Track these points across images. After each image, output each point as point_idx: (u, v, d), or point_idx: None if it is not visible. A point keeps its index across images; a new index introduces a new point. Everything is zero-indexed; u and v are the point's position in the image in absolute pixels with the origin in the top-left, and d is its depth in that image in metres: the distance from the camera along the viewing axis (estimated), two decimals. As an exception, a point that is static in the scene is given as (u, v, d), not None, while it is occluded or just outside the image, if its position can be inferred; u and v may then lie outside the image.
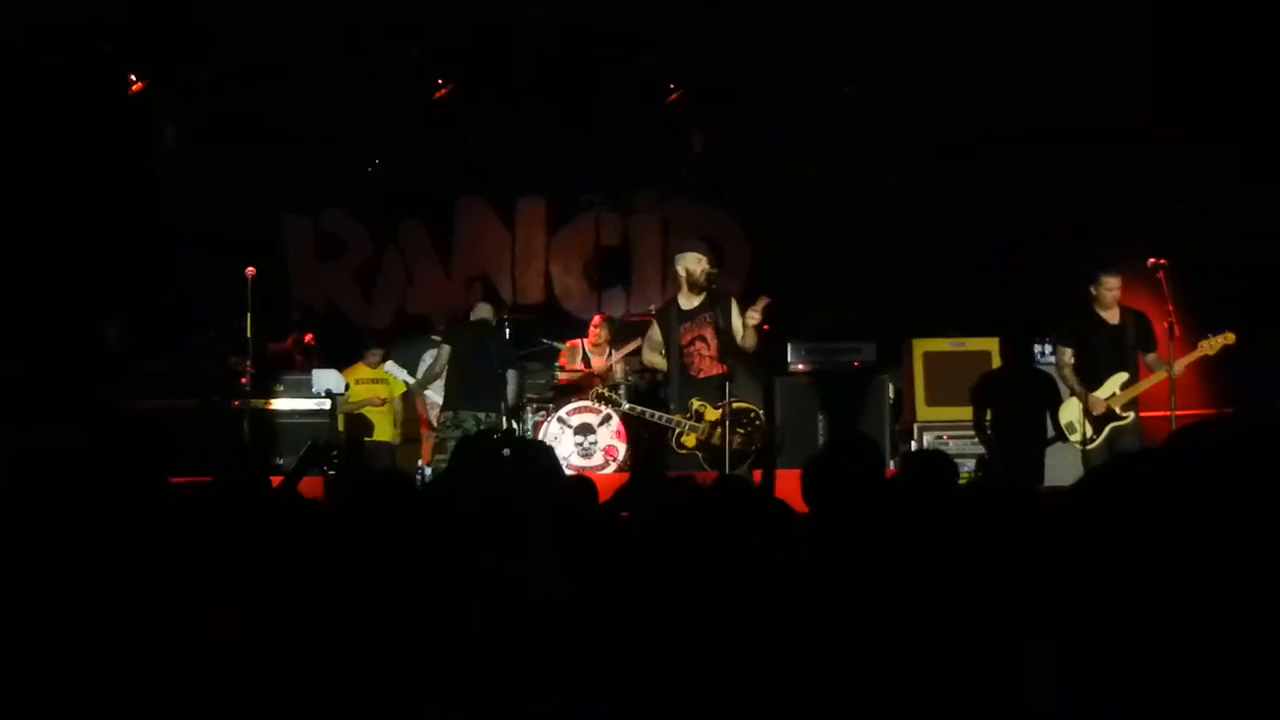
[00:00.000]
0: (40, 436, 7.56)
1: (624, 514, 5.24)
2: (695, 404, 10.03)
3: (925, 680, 3.35)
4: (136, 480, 3.93)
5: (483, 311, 12.44)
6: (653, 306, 11.72)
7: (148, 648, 3.50)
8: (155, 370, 12.87)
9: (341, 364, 13.19)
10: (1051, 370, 11.29)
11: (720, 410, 9.83)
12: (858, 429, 11.81)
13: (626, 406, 10.64)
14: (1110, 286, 10.45)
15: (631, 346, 12.90)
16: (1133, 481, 3.08)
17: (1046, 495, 4.64)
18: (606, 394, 10.81)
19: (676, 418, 10.03)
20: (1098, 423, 10.34)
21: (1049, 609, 3.25)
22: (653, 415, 10.26)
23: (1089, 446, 10.36)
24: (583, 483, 6.19)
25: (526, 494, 4.94)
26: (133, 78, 13.82)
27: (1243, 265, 11.25)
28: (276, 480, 5.95)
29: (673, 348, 10.22)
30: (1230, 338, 10.07)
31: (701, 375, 10.14)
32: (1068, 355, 10.64)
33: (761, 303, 10.10)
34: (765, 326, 11.17)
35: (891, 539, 3.77)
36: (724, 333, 10.07)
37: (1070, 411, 10.58)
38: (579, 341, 13.54)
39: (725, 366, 9.92)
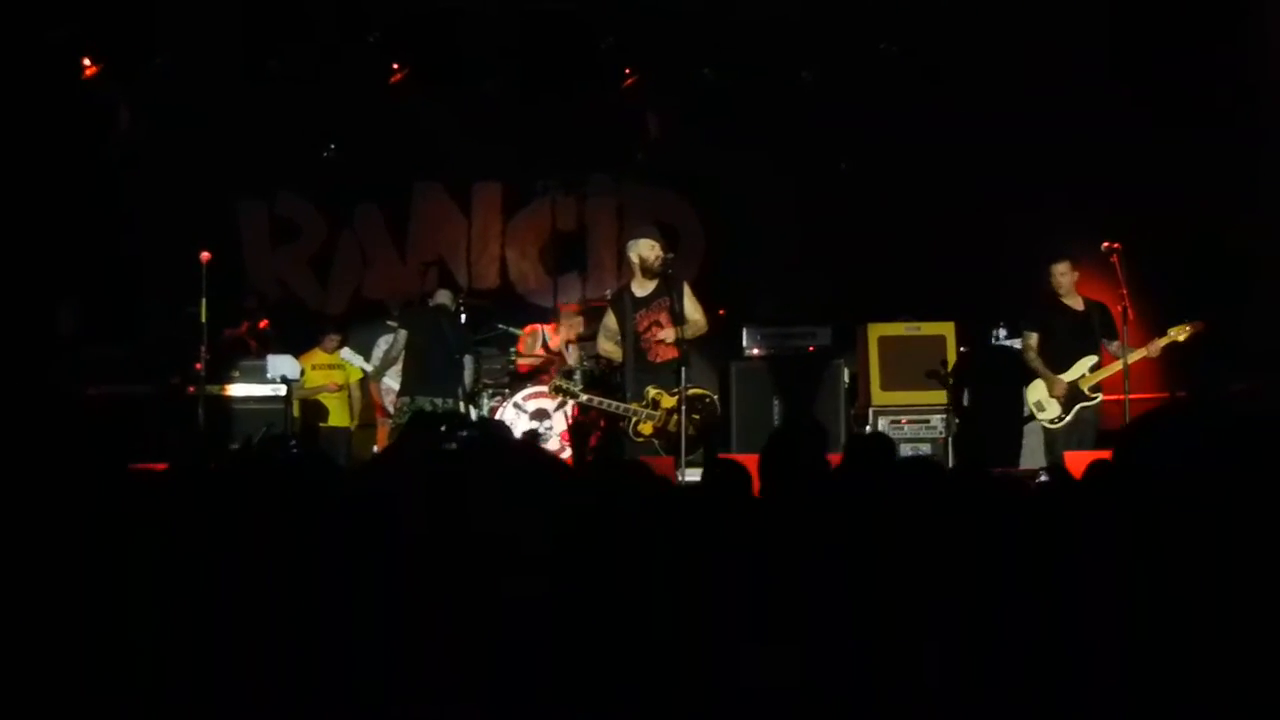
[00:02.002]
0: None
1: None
2: (651, 392, 10.05)
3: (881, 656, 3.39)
4: (93, 467, 3.92)
5: (442, 297, 12.49)
6: (607, 292, 11.75)
7: (102, 632, 3.50)
8: (109, 356, 12.82)
9: (297, 349, 13.16)
10: (1017, 351, 11.49)
11: (675, 397, 9.86)
12: (808, 416, 11.87)
13: (584, 397, 10.62)
14: (1060, 272, 10.87)
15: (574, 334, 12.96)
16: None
17: (1012, 480, 4.70)
18: (563, 384, 10.80)
19: (633, 406, 10.05)
20: (1067, 403, 10.69)
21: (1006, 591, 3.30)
22: (608, 404, 10.28)
23: (1058, 425, 10.73)
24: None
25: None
26: (86, 61, 13.73)
27: (1194, 249, 11.37)
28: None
29: (628, 335, 10.24)
30: (1200, 326, 10.40)
31: (659, 360, 10.16)
32: (1033, 339, 10.99)
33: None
34: (720, 312, 11.22)
35: (840, 522, 3.80)
36: (679, 316, 10.09)
37: (1038, 391, 10.91)
38: (538, 326, 13.51)
39: (680, 351, 9.95)
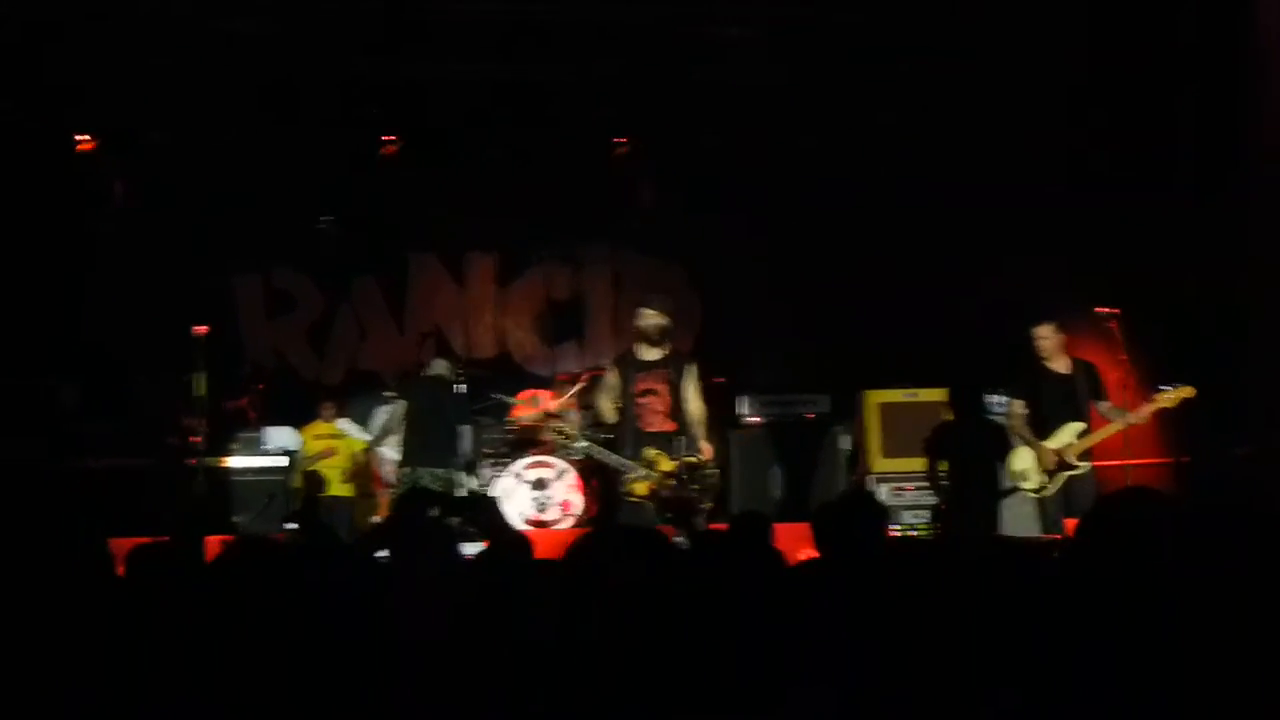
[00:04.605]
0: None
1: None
2: (650, 452, 9.97)
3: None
4: (77, 543, 3.88)
5: (439, 367, 12.47)
6: (604, 362, 11.73)
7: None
8: (108, 430, 12.80)
9: (293, 421, 13.18)
10: (1003, 420, 11.26)
11: (675, 462, 9.82)
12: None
13: (583, 443, 10.57)
14: (1043, 335, 10.60)
15: (577, 389, 12.87)
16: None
17: (997, 548, 4.71)
18: (564, 429, 10.75)
19: (631, 462, 9.95)
20: (1053, 472, 10.36)
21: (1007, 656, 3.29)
22: (608, 456, 10.18)
23: (1043, 494, 10.39)
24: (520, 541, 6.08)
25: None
26: (82, 136, 13.75)
27: (1189, 311, 11.33)
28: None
29: (627, 396, 10.17)
30: (1190, 391, 10.03)
31: (650, 429, 10.08)
32: (1018, 407, 10.71)
33: None
34: (717, 380, 11.19)
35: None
36: (677, 390, 10.05)
37: (1023, 459, 10.57)
38: (535, 392, 13.48)
39: (676, 424, 9.92)
